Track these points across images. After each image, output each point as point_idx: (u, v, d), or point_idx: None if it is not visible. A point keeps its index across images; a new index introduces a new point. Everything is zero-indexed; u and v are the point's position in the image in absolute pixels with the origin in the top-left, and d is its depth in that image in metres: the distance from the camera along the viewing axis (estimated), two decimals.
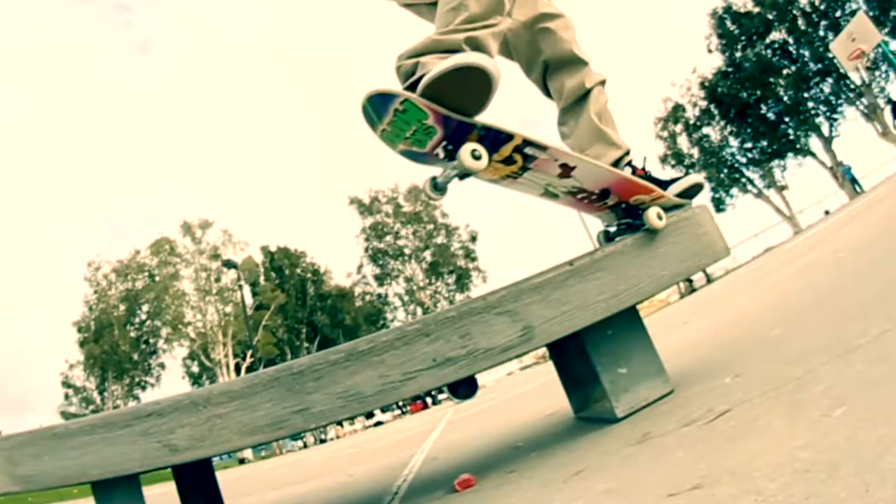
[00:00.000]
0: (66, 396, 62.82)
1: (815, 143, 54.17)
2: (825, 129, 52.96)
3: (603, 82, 3.00)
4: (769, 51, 53.93)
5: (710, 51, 57.70)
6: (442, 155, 2.32)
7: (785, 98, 53.19)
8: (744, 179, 57.68)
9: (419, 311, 69.33)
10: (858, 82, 49.44)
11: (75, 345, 63.29)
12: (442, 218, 74.88)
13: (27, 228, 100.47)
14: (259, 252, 72.85)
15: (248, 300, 63.51)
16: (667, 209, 2.77)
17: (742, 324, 4.46)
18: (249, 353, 59.50)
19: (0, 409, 78.97)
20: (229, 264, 45.73)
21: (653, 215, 2.66)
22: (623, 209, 2.86)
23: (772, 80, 53.18)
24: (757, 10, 54.03)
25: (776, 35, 53.60)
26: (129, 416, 2.32)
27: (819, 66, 50.88)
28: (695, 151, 60.27)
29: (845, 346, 1.96)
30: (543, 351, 3.48)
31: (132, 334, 63.65)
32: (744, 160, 57.62)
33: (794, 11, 51.87)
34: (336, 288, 73.78)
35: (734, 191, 58.21)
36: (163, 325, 63.96)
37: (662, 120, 62.52)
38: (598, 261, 2.51)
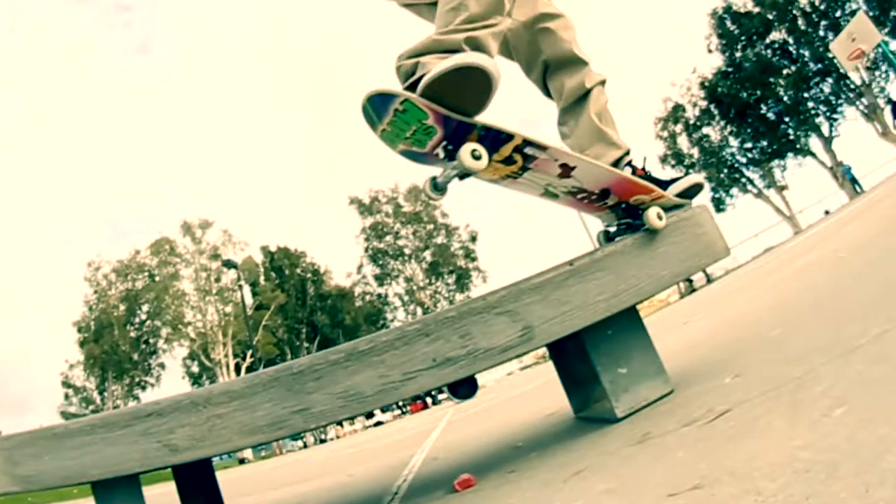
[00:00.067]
0: (67, 396, 62.86)
1: (815, 143, 54.23)
2: (825, 129, 52.97)
3: (603, 82, 3.00)
4: (769, 51, 53.93)
5: (710, 51, 57.73)
6: (442, 155, 2.32)
7: (785, 98, 53.19)
8: (744, 179, 57.68)
9: (419, 311, 69.33)
10: (858, 82, 49.45)
11: (75, 345, 63.35)
12: (442, 218, 74.93)
13: (27, 228, 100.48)
14: (259, 252, 72.94)
15: (248, 300, 63.50)
16: (667, 209, 2.77)
17: (742, 324, 4.46)
18: (249, 353, 59.48)
19: (0, 409, 79.01)
20: (229, 264, 45.71)
21: (653, 215, 2.65)
22: (623, 209, 2.86)
23: (772, 80, 53.17)
24: (757, 10, 54.03)
25: (776, 35, 53.60)
26: (129, 416, 2.32)
27: (819, 66, 50.88)
28: (695, 151, 60.29)
29: (845, 346, 1.96)
30: (543, 351, 3.48)
31: (132, 334, 63.65)
32: (744, 160, 57.64)
33: (794, 11, 51.87)
34: (336, 288, 73.76)
35: (734, 191, 58.22)
36: (163, 325, 63.96)
37: (662, 120, 62.52)
38: (598, 261, 2.51)
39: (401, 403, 48.60)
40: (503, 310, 2.33)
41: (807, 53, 51.92)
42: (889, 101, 37.12)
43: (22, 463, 2.35)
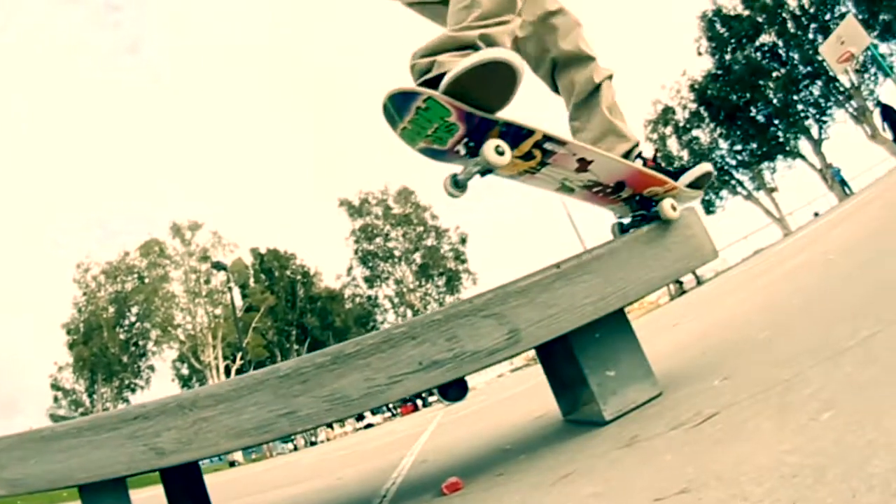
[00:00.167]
0: (56, 399, 62.60)
1: (804, 145, 54.47)
2: (814, 131, 53.22)
3: (610, 77, 3.04)
4: (759, 53, 54.13)
5: (699, 53, 57.88)
6: (463, 152, 2.34)
7: (774, 101, 53.39)
8: (733, 181, 57.84)
9: (409, 313, 69.33)
10: (847, 85, 49.69)
11: (64, 347, 63.11)
12: (432, 220, 74.99)
13: (15, 229, 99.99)
14: (249, 254, 72.80)
15: (238, 302, 63.40)
16: (679, 199, 2.82)
17: (732, 326, 4.47)
18: (239, 355, 59.38)
19: None
20: (219, 266, 45.60)
21: (667, 206, 2.71)
22: (637, 201, 2.89)
23: (761, 82, 53.36)
24: (747, 13, 54.25)
25: (766, 38, 53.80)
26: (116, 419, 2.32)
27: (808, 68, 51.12)
28: (684, 154, 60.41)
29: (834, 349, 1.96)
30: (534, 353, 3.48)
31: (121, 336, 63.46)
32: (733, 162, 57.79)
33: (784, 14, 52.11)
34: (326, 290, 73.69)
35: (724, 193, 58.35)
36: (152, 327, 63.79)
37: (652, 122, 62.68)
38: (585, 263, 2.51)
39: (391, 405, 48.60)
40: (489, 313, 2.32)
41: (796, 56, 52.15)
42: (878, 103, 37.21)
43: (8, 466, 2.35)
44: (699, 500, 1.23)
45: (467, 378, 2.61)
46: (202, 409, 2.25)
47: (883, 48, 46.78)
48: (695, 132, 59.70)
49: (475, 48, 2.27)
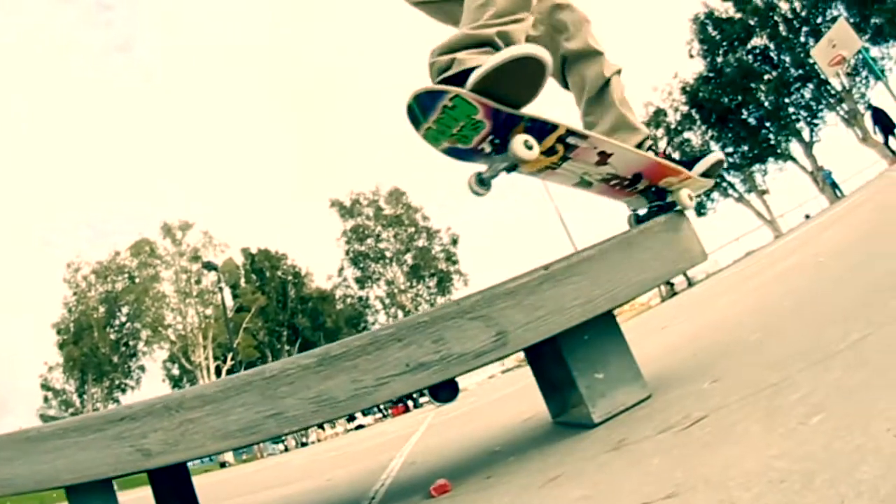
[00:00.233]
0: (46, 399, 62.50)
1: (795, 147, 54.72)
2: (806, 134, 53.47)
3: (619, 71, 3.06)
4: (750, 56, 54.37)
5: (691, 56, 58.09)
6: (489, 149, 2.36)
7: (766, 103, 53.61)
8: (725, 184, 57.98)
9: (400, 314, 69.41)
10: (839, 88, 49.95)
11: (54, 347, 62.96)
12: (423, 221, 75.13)
13: (5, 229, 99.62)
14: (240, 254, 72.88)
15: (229, 302, 63.32)
16: (693, 189, 2.87)
17: (723, 328, 4.47)
18: (230, 355, 59.28)
19: None
20: (209, 266, 45.53)
21: (684, 196, 2.78)
22: (653, 192, 2.92)
23: (753, 85, 53.58)
24: (738, 15, 54.48)
25: (757, 41, 54.07)
26: (102, 420, 2.32)
27: (800, 71, 51.34)
28: (676, 156, 60.44)
29: (825, 351, 1.96)
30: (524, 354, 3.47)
31: (112, 336, 63.41)
32: (725, 164, 57.89)
33: (776, 17, 52.33)
34: (317, 290, 73.70)
35: (715, 195, 58.47)
36: (143, 327, 63.74)
37: (644, 124, 62.72)
38: (573, 265, 2.49)
39: (382, 406, 48.62)
40: (476, 315, 2.31)
41: (788, 59, 52.40)
42: (869, 106, 37.44)
43: None
44: None
45: (458, 379, 2.61)
46: (189, 411, 2.25)
47: (874, 52, 47.05)
48: (686, 134, 59.89)
49: (493, 45, 2.30)
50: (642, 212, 3.03)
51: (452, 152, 2.40)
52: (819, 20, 50.14)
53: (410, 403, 49.94)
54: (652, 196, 2.94)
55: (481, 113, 2.20)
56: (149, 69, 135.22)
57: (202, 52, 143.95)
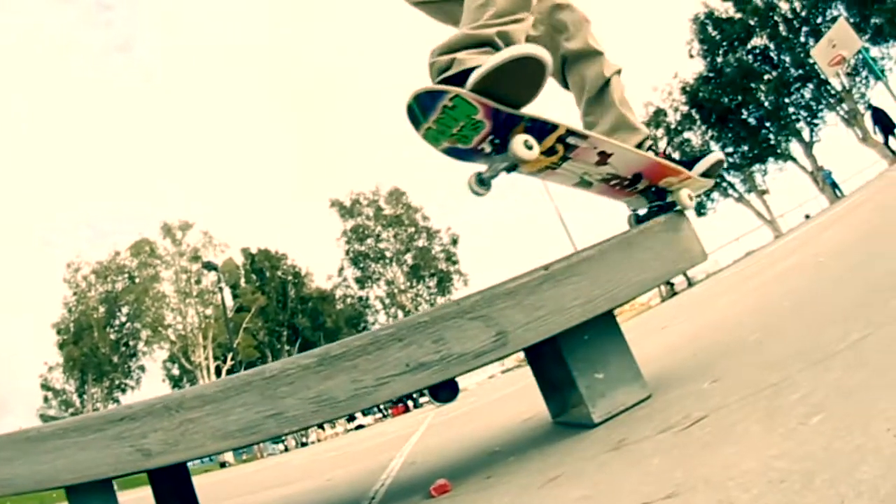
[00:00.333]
0: (46, 399, 62.48)
1: (795, 147, 54.70)
2: (806, 134, 53.46)
3: (619, 71, 3.07)
4: (750, 56, 54.36)
5: (691, 56, 58.08)
6: (489, 149, 2.36)
7: (766, 103, 53.60)
8: (725, 184, 57.95)
9: (400, 314, 69.38)
10: (839, 88, 49.93)
11: (54, 347, 62.93)
12: (423, 221, 75.11)
13: (5, 228, 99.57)
14: (240, 254, 72.86)
15: (229, 302, 63.29)
16: (693, 189, 2.86)
17: (723, 328, 4.47)
18: (230, 355, 59.24)
19: None
20: (209, 266, 45.49)
21: (684, 196, 2.78)
22: (653, 192, 2.92)
23: (753, 85, 53.57)
24: (738, 15, 54.46)
25: (757, 41, 54.06)
26: (102, 420, 2.31)
27: (800, 71, 51.33)
28: (676, 156, 60.44)
29: (825, 352, 1.95)
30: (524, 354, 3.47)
31: (112, 336, 63.39)
32: (725, 164, 57.86)
33: (776, 17, 52.31)
34: (317, 290, 73.68)
35: (715, 195, 58.44)
36: (143, 327, 63.72)
37: (643, 124, 62.70)
38: (573, 265, 2.49)
39: (382, 406, 48.60)
40: (476, 315, 2.30)
41: (788, 59, 52.39)
42: (869, 106, 37.45)
43: None
44: None
45: (458, 379, 2.61)
46: (189, 411, 2.25)
47: (874, 52, 47.06)
48: (686, 134, 59.86)
49: (493, 45, 2.30)
50: (642, 212, 3.02)
51: (452, 152, 2.40)
52: (819, 20, 50.14)
53: (410, 403, 49.93)
54: (652, 196, 2.93)
55: (481, 113, 2.20)
56: (149, 69, 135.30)
57: (202, 52, 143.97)
